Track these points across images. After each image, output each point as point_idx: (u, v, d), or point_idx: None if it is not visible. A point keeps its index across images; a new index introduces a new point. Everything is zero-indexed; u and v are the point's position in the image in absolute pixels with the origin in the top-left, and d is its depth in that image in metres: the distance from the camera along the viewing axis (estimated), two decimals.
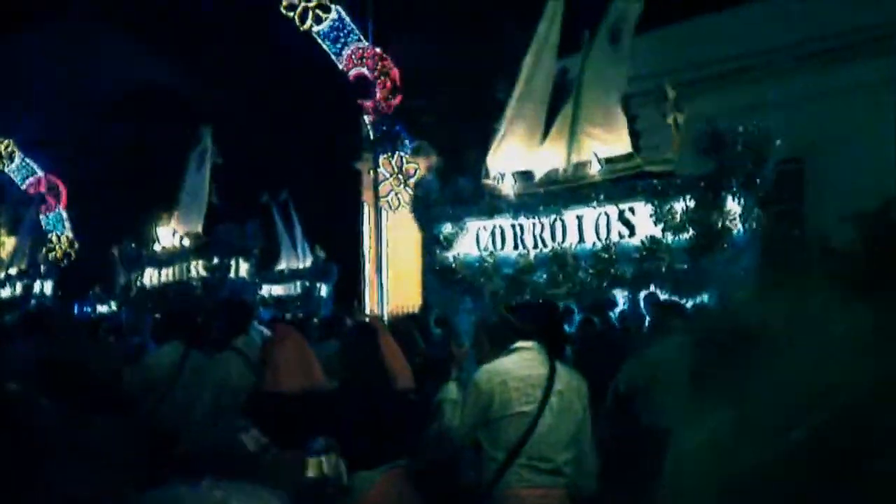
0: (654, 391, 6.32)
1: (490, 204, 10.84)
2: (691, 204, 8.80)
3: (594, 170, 9.88)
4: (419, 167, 24.04)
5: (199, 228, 17.96)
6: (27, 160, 30.83)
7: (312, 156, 26.01)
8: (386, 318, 17.84)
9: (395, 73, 24.27)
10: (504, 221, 10.64)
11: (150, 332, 11.49)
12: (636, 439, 5.07)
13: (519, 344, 4.62)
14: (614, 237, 9.62)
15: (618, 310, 10.03)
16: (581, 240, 9.92)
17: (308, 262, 21.62)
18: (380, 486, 4.25)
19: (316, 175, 25.58)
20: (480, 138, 19.99)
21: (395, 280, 24.54)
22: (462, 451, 4.82)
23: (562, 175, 10.34)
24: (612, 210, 9.58)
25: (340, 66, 25.18)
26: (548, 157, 10.65)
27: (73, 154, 28.04)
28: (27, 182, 30.87)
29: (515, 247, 10.51)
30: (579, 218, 9.90)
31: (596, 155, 9.82)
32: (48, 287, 23.47)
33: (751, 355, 0.94)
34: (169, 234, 18.99)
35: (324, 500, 3.94)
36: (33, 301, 22.55)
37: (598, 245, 9.72)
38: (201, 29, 26.56)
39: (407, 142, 23.46)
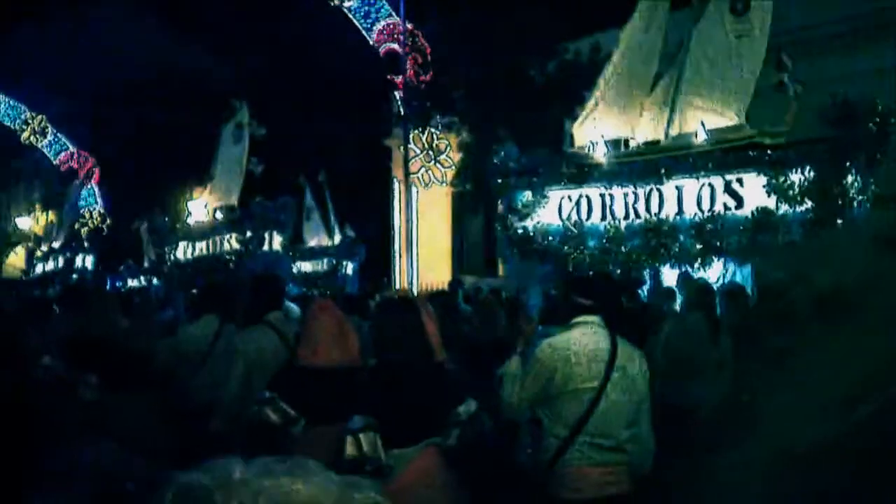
0: (678, 368, 6.28)
1: (579, 173, 10.68)
2: (810, 175, 8.64)
3: (700, 140, 9.70)
4: (450, 143, 24.02)
5: (235, 201, 18.01)
6: (59, 135, 31.08)
7: (343, 132, 26.00)
8: (417, 294, 17.86)
9: (427, 48, 24.20)
10: (592, 191, 10.48)
11: (183, 306, 11.57)
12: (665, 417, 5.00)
13: (581, 318, 4.56)
14: (718, 208, 9.47)
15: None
16: (680, 210, 9.78)
17: (337, 240, 21.68)
18: (415, 465, 4.21)
19: (346, 151, 25.58)
20: (512, 113, 19.96)
21: (425, 257, 24.58)
22: (517, 429, 4.78)
23: (663, 144, 10.17)
24: (718, 181, 9.43)
25: (371, 42, 25.11)
26: (647, 126, 10.48)
27: (105, 129, 28.24)
28: (59, 157, 31.15)
29: (603, 217, 10.38)
30: (679, 188, 9.77)
31: (703, 125, 9.66)
32: (89, 261, 23.68)
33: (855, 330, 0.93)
34: (201, 208, 19.07)
35: None
36: (74, 275, 22.78)
37: (700, 216, 9.57)
38: (233, 6, 26.58)
39: (438, 117, 23.42)
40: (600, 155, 10.52)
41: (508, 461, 4.87)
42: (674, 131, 10.07)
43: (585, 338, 4.48)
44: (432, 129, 24.31)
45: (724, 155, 9.44)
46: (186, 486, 1.28)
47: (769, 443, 0.93)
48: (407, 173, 23.02)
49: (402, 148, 23.27)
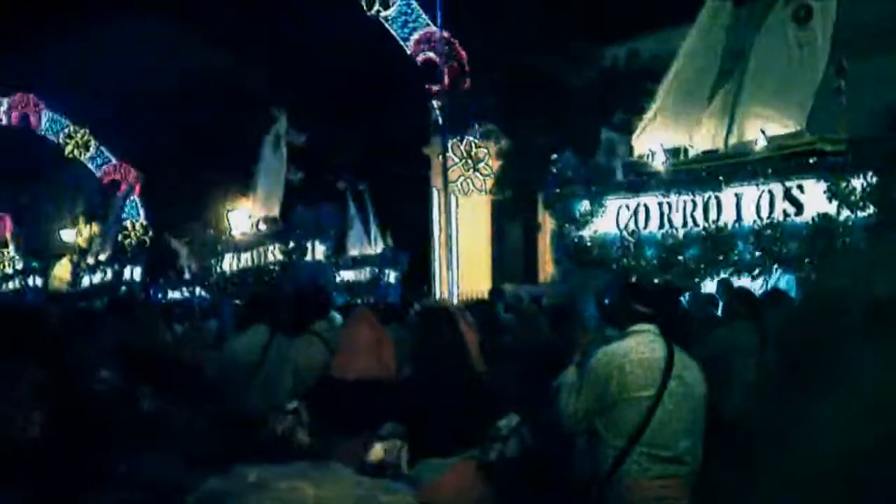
0: (720, 372, 6.22)
1: (638, 181, 10.65)
2: (872, 180, 8.55)
3: (760, 147, 9.62)
4: (489, 152, 24.02)
5: (276, 211, 18.10)
6: (102, 148, 31.41)
7: (381, 141, 26.09)
8: (455, 303, 17.85)
9: (464, 56, 24.23)
10: (650, 199, 10.45)
11: (230, 317, 11.65)
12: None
13: (637, 327, 4.52)
14: (777, 215, 9.39)
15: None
16: (739, 218, 9.71)
17: (379, 249, 21.74)
18: (452, 476, 4.19)
19: (385, 160, 25.66)
20: (549, 121, 19.92)
21: (464, 265, 24.54)
22: (573, 441, 4.71)
23: (722, 152, 10.12)
24: (777, 187, 9.35)
25: (408, 51, 25.19)
26: (706, 134, 10.43)
27: (146, 142, 28.54)
28: (102, 169, 31.49)
29: (661, 225, 10.34)
30: (738, 196, 9.70)
31: (763, 132, 9.59)
32: (137, 273, 23.85)
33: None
34: (244, 219, 19.20)
35: None
36: (123, 287, 22.96)
37: (759, 223, 9.48)
38: (270, 17, 26.78)
39: (476, 126, 23.43)
40: (659, 164, 10.47)
41: (553, 479, 4.81)
42: (733, 140, 9.98)
43: (641, 346, 4.42)
44: (471, 138, 24.33)
45: (783, 161, 9.33)
46: (203, 493, 1.32)
47: (816, 453, 0.93)
48: (446, 182, 23.05)
49: (440, 156, 23.32)
